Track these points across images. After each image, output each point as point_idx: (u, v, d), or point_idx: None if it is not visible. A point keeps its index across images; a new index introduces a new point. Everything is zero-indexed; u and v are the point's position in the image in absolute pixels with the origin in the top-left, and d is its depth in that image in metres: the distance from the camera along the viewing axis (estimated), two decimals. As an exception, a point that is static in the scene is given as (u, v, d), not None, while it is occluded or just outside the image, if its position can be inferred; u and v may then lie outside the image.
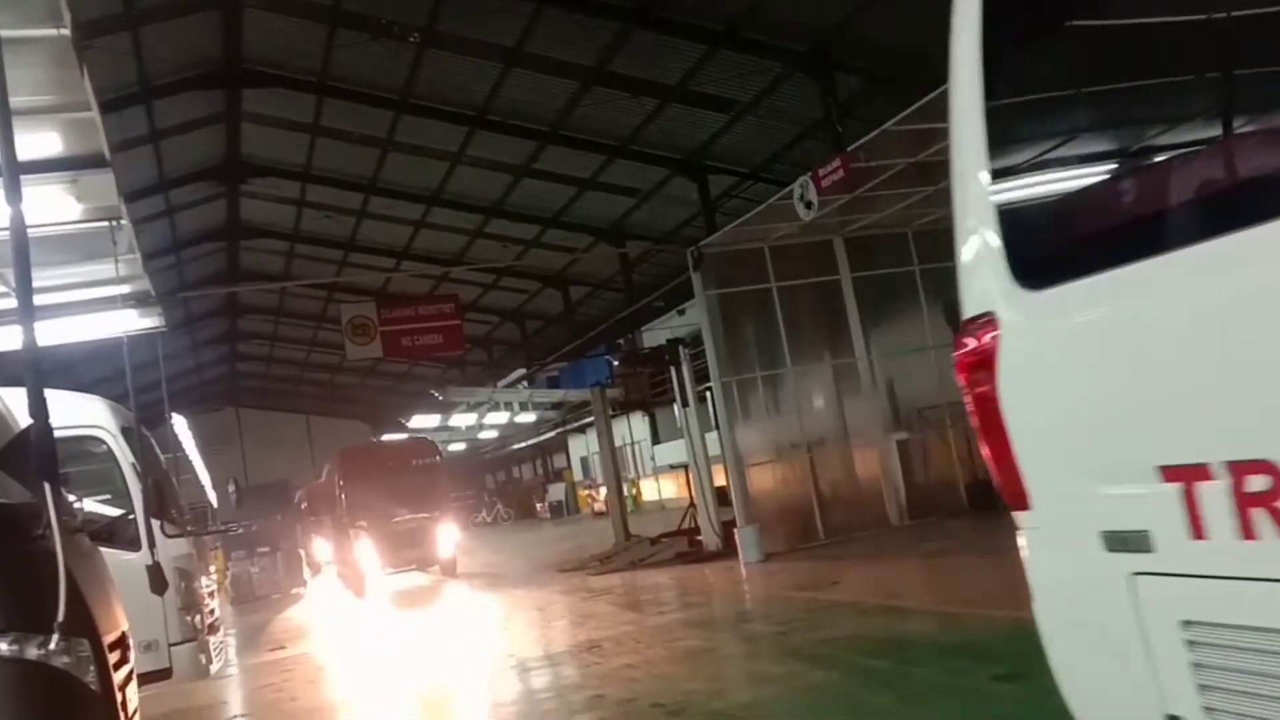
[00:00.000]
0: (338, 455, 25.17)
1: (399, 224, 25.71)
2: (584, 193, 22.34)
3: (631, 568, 17.94)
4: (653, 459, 42.26)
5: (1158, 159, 2.82)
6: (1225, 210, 2.38)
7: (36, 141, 6.72)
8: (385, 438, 36.95)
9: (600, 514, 34.88)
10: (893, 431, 17.10)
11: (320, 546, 30.34)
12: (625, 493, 28.48)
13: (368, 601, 20.30)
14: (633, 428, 42.84)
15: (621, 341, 29.03)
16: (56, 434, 4.63)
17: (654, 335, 28.05)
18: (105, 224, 8.00)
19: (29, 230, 4.91)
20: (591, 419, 29.17)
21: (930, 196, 15.15)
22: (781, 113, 17.82)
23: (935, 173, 14.02)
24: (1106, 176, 3.05)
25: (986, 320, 3.21)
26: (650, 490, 41.32)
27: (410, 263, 28.01)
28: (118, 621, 5.24)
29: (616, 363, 24.16)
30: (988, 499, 16.41)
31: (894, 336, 17.67)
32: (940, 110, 11.49)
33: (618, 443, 30.70)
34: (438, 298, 27.49)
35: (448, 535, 23.04)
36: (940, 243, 15.91)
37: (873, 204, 15.28)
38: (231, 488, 12.53)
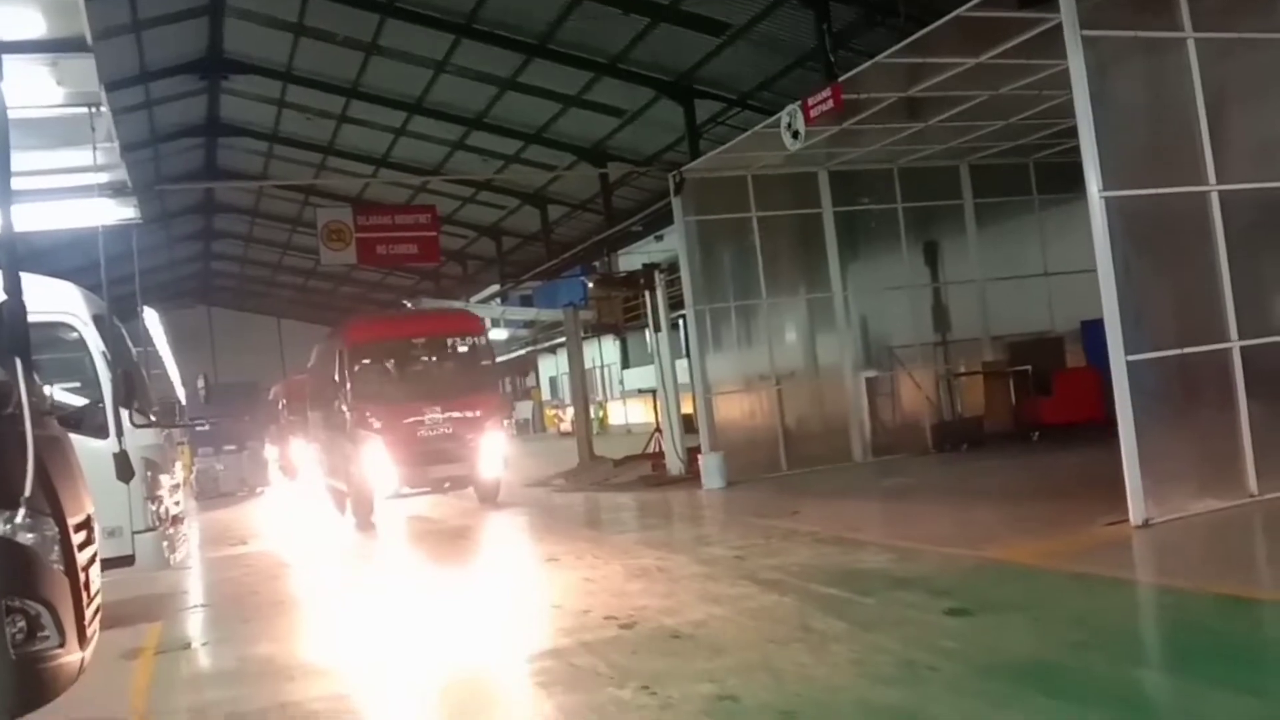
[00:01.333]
0: (341, 329, 18.46)
1: (379, 130, 25.40)
2: (568, 110, 22.10)
3: (594, 487, 18.13)
4: (621, 383, 42.45)
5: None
6: None
7: (18, 19, 6.63)
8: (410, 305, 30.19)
9: (566, 434, 35.06)
10: (863, 369, 17.24)
11: (300, 450, 26.94)
12: (592, 414, 28.64)
13: (366, 530, 15.84)
14: (603, 350, 42.96)
15: (597, 264, 28.96)
16: (28, 318, 4.66)
17: (631, 260, 27.98)
18: (84, 110, 7.91)
19: (7, 111, 4.89)
20: (563, 339, 29.09)
21: (919, 133, 15.12)
22: (774, 40, 17.64)
23: (925, 109, 14.00)
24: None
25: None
26: (618, 414, 41.56)
27: (389, 171, 27.74)
28: (83, 504, 5.30)
29: (591, 284, 24.12)
30: (952, 440, 16.67)
31: (871, 273, 17.74)
32: (935, 45, 11.46)
33: (588, 365, 30.78)
34: (415, 208, 27.32)
35: (493, 446, 16.60)
36: (925, 181, 16.07)
37: (860, 138, 15.23)
38: (200, 382, 12.40)
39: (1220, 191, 9.11)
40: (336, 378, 16.78)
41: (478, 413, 16.41)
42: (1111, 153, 8.71)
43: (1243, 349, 9.09)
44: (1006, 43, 10.97)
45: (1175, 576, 7.49)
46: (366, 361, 16.77)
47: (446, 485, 16.78)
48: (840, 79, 12.54)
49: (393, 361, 17.28)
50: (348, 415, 16.30)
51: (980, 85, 13.01)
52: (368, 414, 15.96)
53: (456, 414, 16.15)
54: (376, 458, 15.61)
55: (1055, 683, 5.23)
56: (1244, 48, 9.44)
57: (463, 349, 17.92)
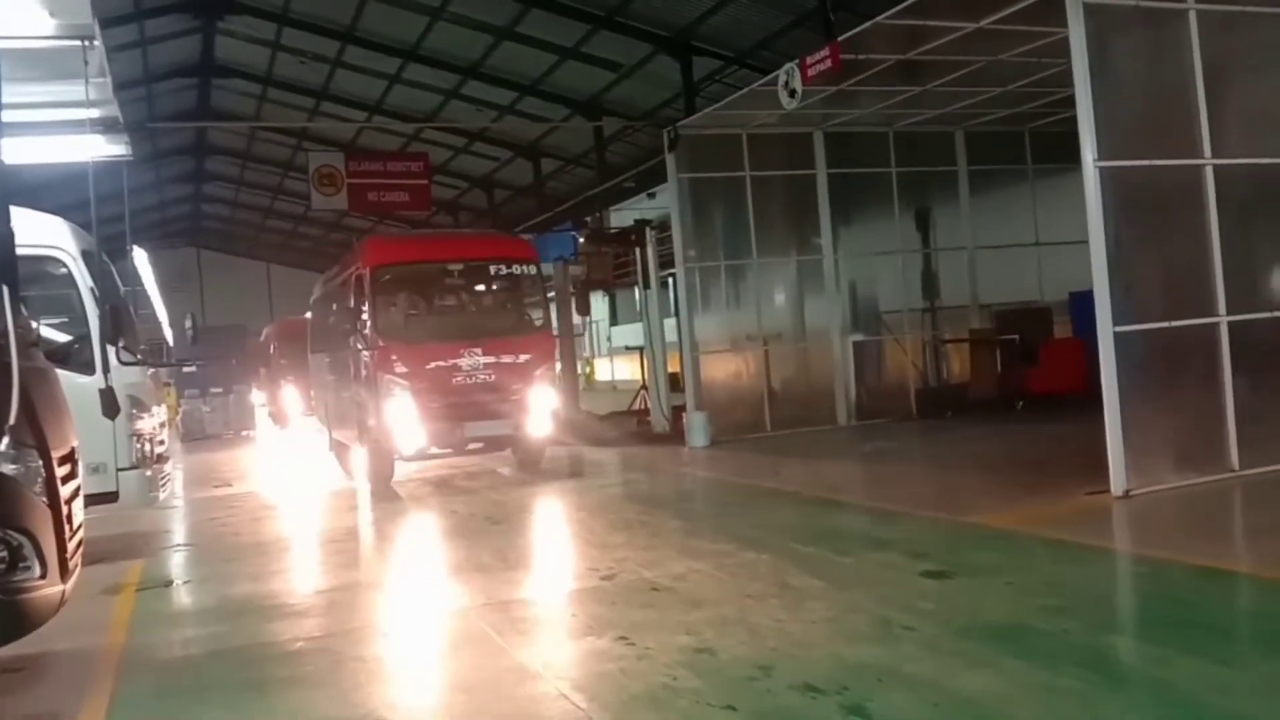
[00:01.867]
0: (360, 250, 14.65)
1: (373, 77, 25.14)
2: (564, 62, 21.90)
3: (578, 442, 18.16)
4: (609, 339, 42.44)
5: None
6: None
7: (10, -52, 6.54)
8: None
9: (553, 388, 35.06)
10: (850, 333, 17.26)
11: (292, 397, 25.32)
12: (579, 370, 28.63)
13: (382, 490, 13.43)
14: (592, 307, 42.87)
15: (589, 219, 28.85)
16: (17, 251, 4.63)
17: (622, 216, 27.85)
18: (77, 43, 7.79)
19: (-1, 42, 4.85)
20: (552, 294, 28.97)
21: (916, 98, 15.05)
22: (775, -2, 17.52)
23: (923, 72, 13.92)
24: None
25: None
26: (604, 370, 41.58)
27: (382, 118, 27.51)
28: (68, 438, 5.30)
29: (582, 239, 24.06)
30: (937, 406, 16.73)
31: (863, 238, 17.70)
32: (935, 8, 11.32)
33: (575, 320, 30.72)
34: (407, 155, 27.17)
35: (542, 399, 13.60)
36: (920, 146, 15.90)
37: (857, 100, 15.16)
38: (188, 323, 12.07)
39: (1215, 165, 9.12)
40: (352, 309, 13.79)
41: (528, 357, 13.54)
42: (1107, 122, 8.70)
43: (1230, 324, 9.13)
44: (1008, 8, 10.88)
45: (1151, 546, 7.56)
46: (388, 293, 13.50)
47: (480, 446, 13.89)
48: (839, 39, 12.46)
49: (423, 292, 14.33)
50: (365, 356, 13.45)
51: (979, 51, 12.93)
52: (391, 356, 13.00)
53: (505, 358, 13.38)
54: (400, 408, 12.85)
55: (1028, 645, 5.30)
56: (1245, 21, 9.40)
57: (512, 277, 14.46)
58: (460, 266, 14.33)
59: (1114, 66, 8.89)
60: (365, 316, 13.33)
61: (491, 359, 13.18)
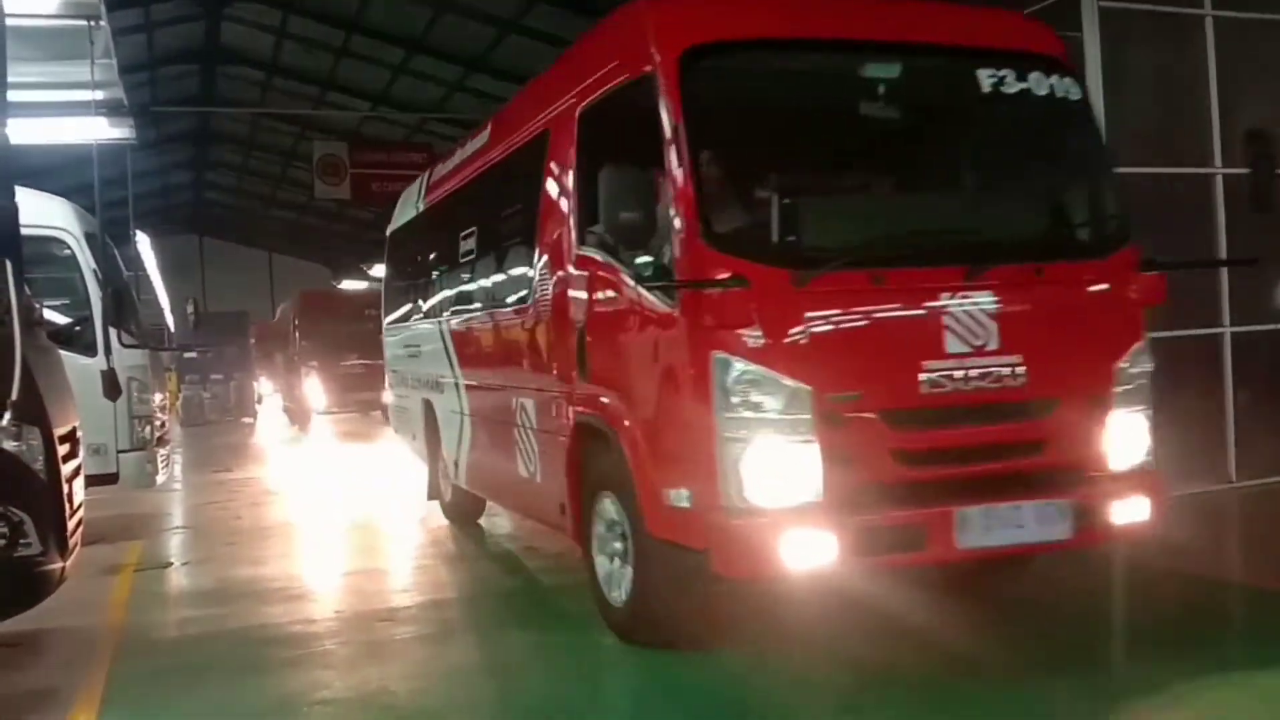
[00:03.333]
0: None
1: (379, 67, 25.11)
2: (571, 58, 21.94)
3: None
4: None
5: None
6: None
7: (19, -75, 6.54)
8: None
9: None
10: None
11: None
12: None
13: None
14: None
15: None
16: (21, 232, 4.63)
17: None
18: (83, 23, 7.81)
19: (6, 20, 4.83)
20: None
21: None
22: None
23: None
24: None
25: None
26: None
27: (386, 108, 27.48)
28: (69, 416, 5.31)
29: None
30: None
31: None
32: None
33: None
34: (411, 146, 27.16)
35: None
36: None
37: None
38: (190, 308, 12.21)
39: (1225, 175, 9.07)
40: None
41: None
42: (1118, 129, 8.68)
43: (1234, 335, 9.11)
44: (1021, 10, 10.87)
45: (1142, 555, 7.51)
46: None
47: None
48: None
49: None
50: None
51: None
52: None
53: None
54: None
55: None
56: (1260, 30, 9.36)
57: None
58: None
59: (1127, 72, 8.86)
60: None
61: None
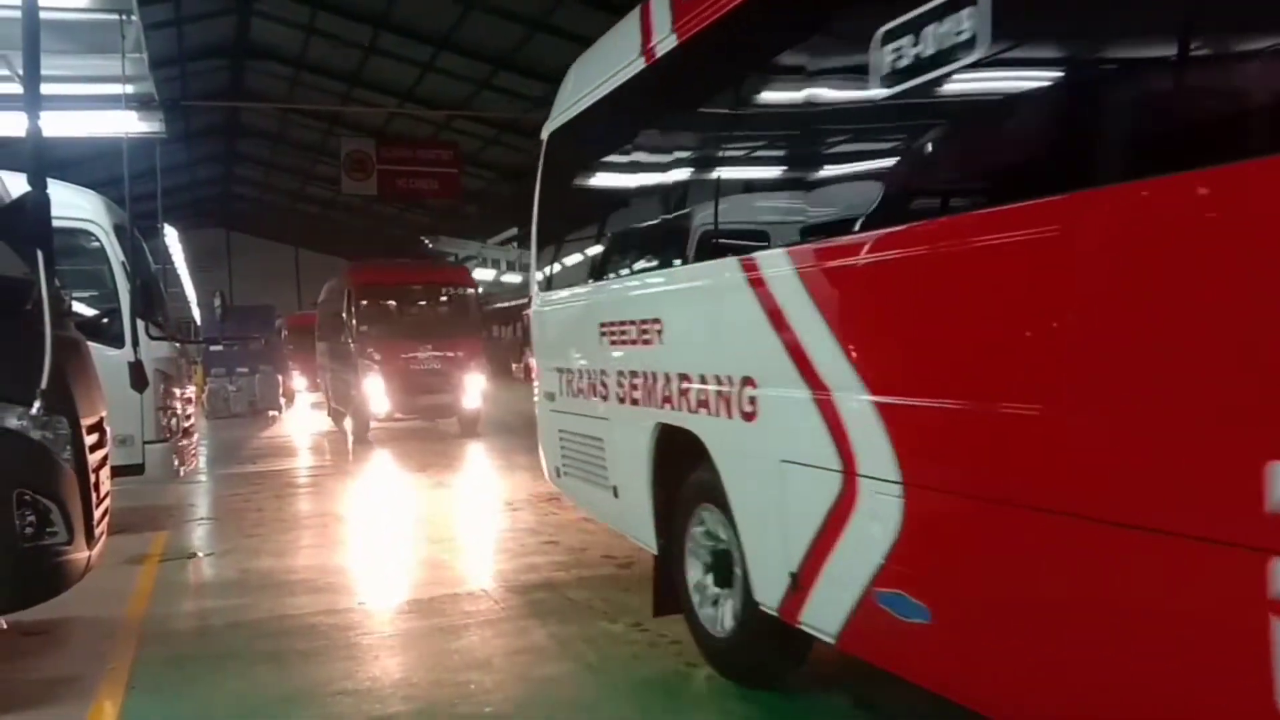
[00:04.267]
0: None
1: (406, 64, 25.27)
2: (598, 56, 21.96)
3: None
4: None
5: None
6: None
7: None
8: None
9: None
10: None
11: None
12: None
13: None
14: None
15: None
16: (52, 224, 4.70)
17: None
18: (115, 17, 7.91)
19: (40, 13, 4.91)
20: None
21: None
22: None
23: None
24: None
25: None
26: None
27: (414, 105, 27.61)
28: (96, 407, 5.38)
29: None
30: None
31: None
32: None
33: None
34: (438, 143, 27.31)
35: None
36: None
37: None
38: (217, 300, 12.29)
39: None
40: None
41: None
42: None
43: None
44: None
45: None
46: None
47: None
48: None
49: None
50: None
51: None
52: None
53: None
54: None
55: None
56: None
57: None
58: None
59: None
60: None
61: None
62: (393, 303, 18.79)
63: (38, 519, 4.64)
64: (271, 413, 25.36)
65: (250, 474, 14.16)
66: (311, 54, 26.20)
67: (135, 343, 8.23)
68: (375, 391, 17.27)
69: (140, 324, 8.44)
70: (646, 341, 5.29)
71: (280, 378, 26.29)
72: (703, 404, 4.67)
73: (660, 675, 5.05)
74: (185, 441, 9.71)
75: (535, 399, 7.45)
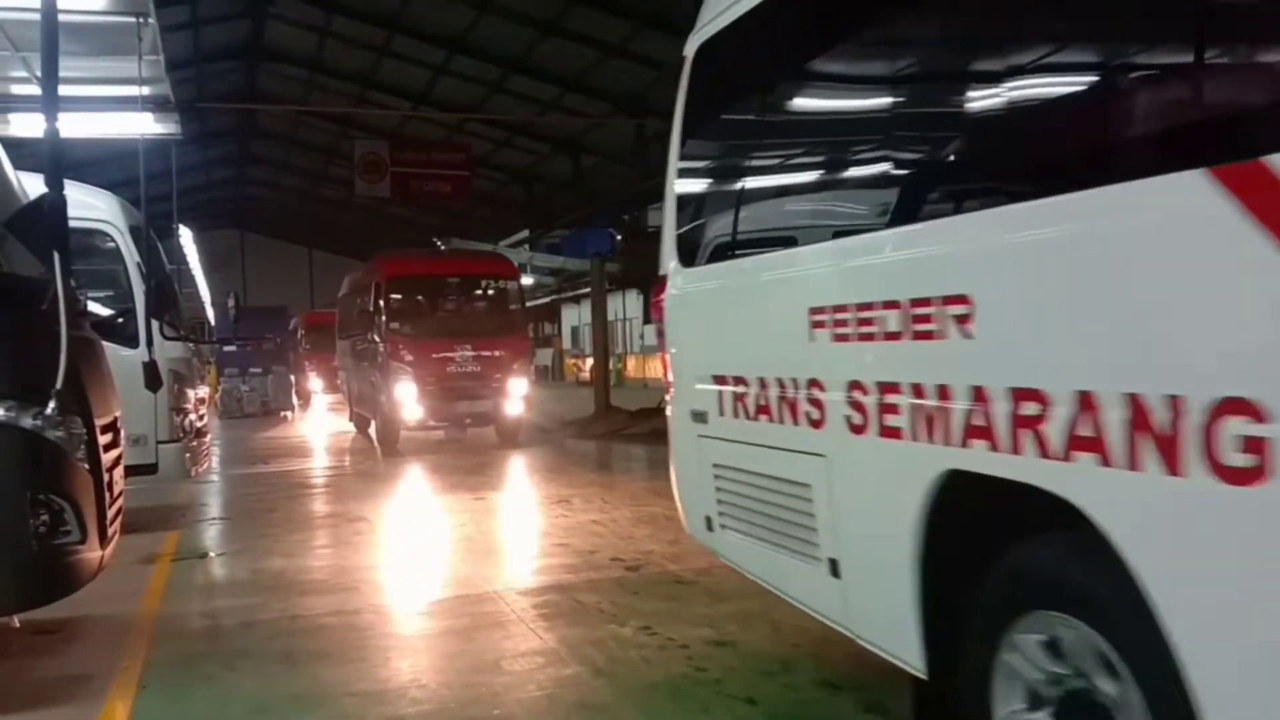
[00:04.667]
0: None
1: (419, 67, 25.37)
2: (608, 60, 21.99)
3: (608, 436, 18.23)
4: (641, 338, 42.49)
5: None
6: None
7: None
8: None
9: (585, 383, 35.24)
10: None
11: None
12: (611, 366, 28.73)
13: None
14: (627, 304, 42.98)
15: (627, 217, 28.89)
16: (69, 225, 4.74)
17: (661, 216, 27.84)
18: (132, 19, 7.95)
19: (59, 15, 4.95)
20: (588, 290, 28.99)
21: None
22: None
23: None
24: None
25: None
26: (635, 368, 41.68)
27: (427, 108, 27.71)
28: (111, 406, 5.41)
29: (620, 236, 24.11)
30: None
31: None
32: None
33: (610, 317, 30.83)
34: (450, 146, 27.40)
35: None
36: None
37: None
38: (231, 301, 12.35)
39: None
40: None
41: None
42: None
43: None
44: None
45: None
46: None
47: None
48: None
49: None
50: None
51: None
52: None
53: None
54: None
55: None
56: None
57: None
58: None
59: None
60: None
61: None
62: (427, 297, 17.46)
63: (51, 518, 4.66)
64: (284, 413, 25.45)
65: (262, 474, 14.21)
66: (326, 56, 26.32)
67: (150, 343, 8.30)
68: (406, 396, 15.81)
69: (155, 324, 8.50)
70: (927, 335, 3.13)
71: (294, 378, 26.37)
72: (1087, 445, 2.50)
73: (669, 679, 5.07)
74: (198, 441, 9.76)
75: (669, 417, 5.48)
